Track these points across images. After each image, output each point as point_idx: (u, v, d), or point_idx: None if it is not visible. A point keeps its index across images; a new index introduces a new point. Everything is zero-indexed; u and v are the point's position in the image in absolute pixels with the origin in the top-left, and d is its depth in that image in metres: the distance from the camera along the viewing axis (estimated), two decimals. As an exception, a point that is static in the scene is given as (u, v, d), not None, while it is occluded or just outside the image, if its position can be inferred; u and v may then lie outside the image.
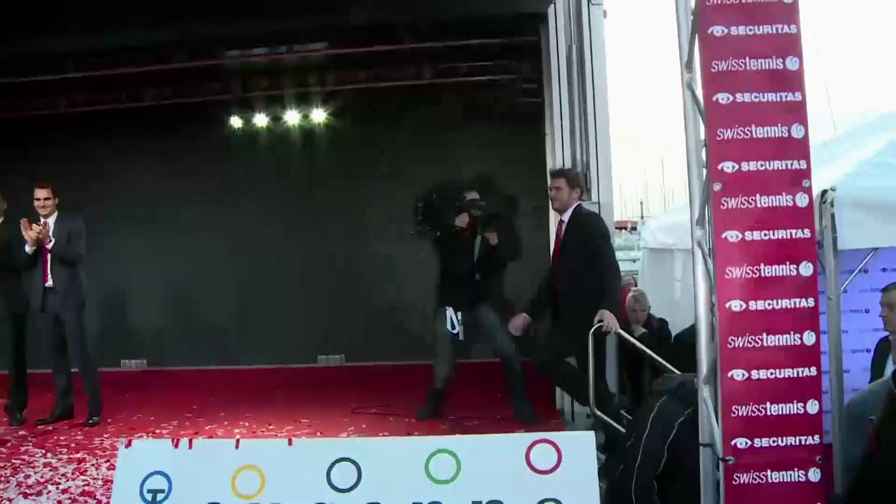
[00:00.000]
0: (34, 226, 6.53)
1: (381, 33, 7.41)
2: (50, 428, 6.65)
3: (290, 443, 3.64)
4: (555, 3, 6.49)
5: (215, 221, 9.30)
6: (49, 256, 6.68)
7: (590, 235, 5.47)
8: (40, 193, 6.67)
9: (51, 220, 6.69)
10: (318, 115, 9.09)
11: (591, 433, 3.68)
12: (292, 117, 9.17)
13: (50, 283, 6.70)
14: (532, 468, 3.55)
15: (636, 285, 10.48)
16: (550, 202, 5.87)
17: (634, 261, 13.80)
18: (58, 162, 9.10)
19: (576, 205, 5.65)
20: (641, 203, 22.75)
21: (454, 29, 7.09)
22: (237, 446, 3.62)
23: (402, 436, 5.41)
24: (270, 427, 6.35)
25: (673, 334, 6.47)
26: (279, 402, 7.08)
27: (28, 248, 6.60)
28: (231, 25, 6.82)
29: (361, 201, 9.21)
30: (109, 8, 6.79)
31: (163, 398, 7.76)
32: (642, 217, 19.28)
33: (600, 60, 6.50)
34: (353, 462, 3.54)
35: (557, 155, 6.42)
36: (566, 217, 5.65)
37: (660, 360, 5.06)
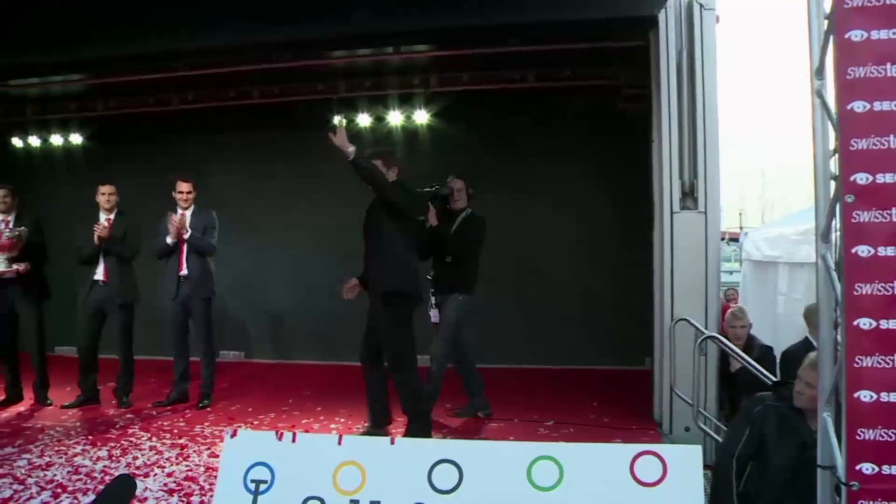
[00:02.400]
0: (175, 217, 6.89)
1: (487, 36, 7.39)
2: (154, 413, 6.89)
3: (392, 441, 3.63)
4: (666, 8, 6.35)
5: (316, 219, 9.43)
6: (185, 247, 7.03)
7: None
8: (183, 187, 7.09)
9: (188, 213, 7.00)
10: (421, 117, 9.12)
11: (698, 447, 3.56)
12: (395, 118, 9.22)
13: (185, 272, 7.06)
14: (636, 480, 3.45)
15: (737, 299, 10.22)
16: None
17: (731, 272, 13.39)
18: (167, 158, 9.39)
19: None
20: (740, 214, 22.07)
21: (560, 32, 6.99)
22: (340, 442, 3.64)
23: (499, 439, 5.38)
24: (366, 424, 6.39)
25: (774, 349, 6.23)
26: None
27: (169, 239, 6.98)
28: (337, 26, 6.89)
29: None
30: (220, 8, 6.98)
31: (260, 390, 7.94)
32: (741, 228, 18.70)
33: (711, 66, 6.33)
34: (455, 464, 3.51)
35: (664, 162, 6.27)
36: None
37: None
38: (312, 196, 9.41)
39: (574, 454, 3.55)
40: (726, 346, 5.49)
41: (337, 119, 6.10)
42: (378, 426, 5.84)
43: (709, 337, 5.63)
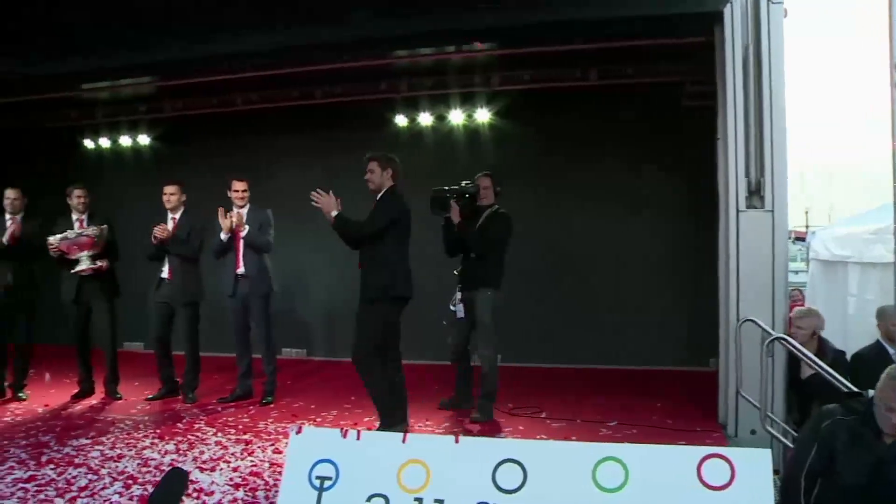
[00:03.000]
0: (229, 214, 7.00)
1: (549, 33, 7.33)
2: (219, 408, 7.01)
3: (456, 440, 3.63)
4: (732, 2, 6.22)
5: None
6: (242, 244, 7.13)
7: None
8: (238, 186, 7.20)
9: (244, 211, 7.12)
10: (483, 115, 9.09)
11: (768, 451, 3.48)
12: (457, 117, 9.21)
13: (242, 269, 7.18)
14: (704, 483, 3.40)
15: (803, 300, 9.95)
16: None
17: (796, 272, 13.05)
18: (232, 157, 9.56)
19: (388, 186, 5.94)
20: (806, 213, 21.49)
21: (624, 29, 6.90)
22: (404, 440, 3.65)
23: (560, 439, 5.34)
24: (427, 423, 6.41)
25: (846, 351, 6.05)
26: (435, 397, 7.11)
27: (223, 235, 7.08)
28: (399, 25, 6.91)
29: (524, 201, 9.11)
30: (285, 10, 7.07)
31: (322, 387, 8.02)
32: (807, 227, 18.22)
33: (778, 62, 6.17)
34: (519, 464, 3.50)
35: (730, 158, 6.14)
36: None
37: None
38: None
39: (640, 456, 3.51)
40: (796, 348, 5.34)
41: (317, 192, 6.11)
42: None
43: (777, 338, 5.49)
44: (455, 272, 6.82)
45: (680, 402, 7.01)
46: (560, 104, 8.84)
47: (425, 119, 9.30)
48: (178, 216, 7.36)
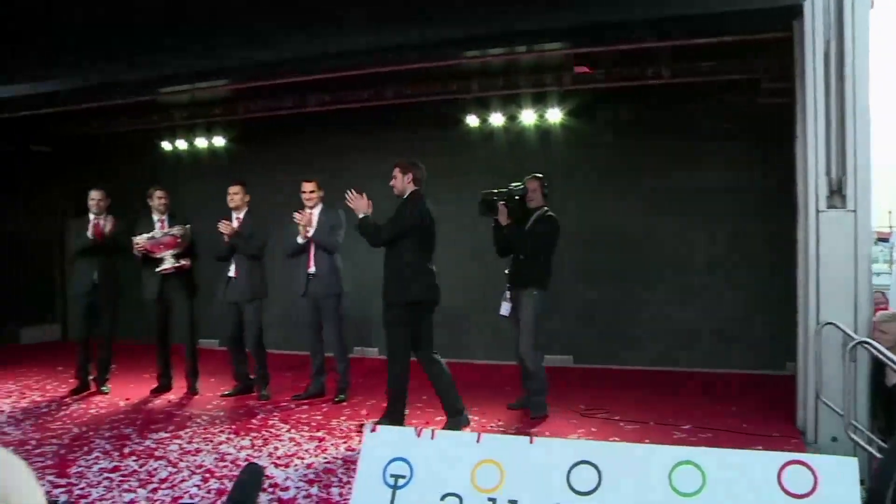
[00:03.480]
0: (297, 215, 7.08)
1: (621, 31, 7.23)
2: (292, 405, 7.12)
3: (531, 440, 3.61)
4: (813, -6, 6.03)
5: (447, 216, 9.34)
6: (313, 245, 7.21)
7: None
8: (307, 187, 7.29)
9: (315, 212, 7.21)
10: (554, 115, 9.02)
11: (855, 459, 3.36)
12: (528, 117, 9.16)
13: (313, 269, 7.26)
14: (784, 490, 3.30)
15: (886, 304, 9.61)
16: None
17: (878, 274, 12.63)
18: (304, 158, 9.72)
19: (410, 191, 6.11)
20: (890, 213, 20.75)
21: (699, 26, 6.76)
22: (479, 440, 3.64)
23: (634, 442, 5.26)
24: (500, 422, 6.40)
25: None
26: (508, 397, 7.10)
27: (300, 239, 7.21)
28: (470, 26, 6.91)
29: (596, 201, 9.04)
30: (357, 11, 7.14)
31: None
32: (891, 227, 17.64)
33: (863, 56, 5.94)
34: (594, 466, 3.46)
35: (810, 157, 5.96)
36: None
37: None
38: (443, 194, 9.41)
39: (718, 460, 3.43)
40: (883, 354, 5.15)
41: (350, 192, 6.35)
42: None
43: (860, 343, 5.30)
44: (506, 272, 6.89)
45: (755, 407, 6.85)
46: (633, 103, 8.73)
47: (497, 119, 9.27)
48: (241, 215, 7.51)
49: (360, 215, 6.05)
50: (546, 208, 6.77)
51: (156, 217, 7.66)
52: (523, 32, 6.97)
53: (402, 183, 6.15)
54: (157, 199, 7.65)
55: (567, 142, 9.09)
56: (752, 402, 7.03)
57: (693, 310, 8.80)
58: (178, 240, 7.36)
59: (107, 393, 7.69)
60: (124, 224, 7.75)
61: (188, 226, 7.46)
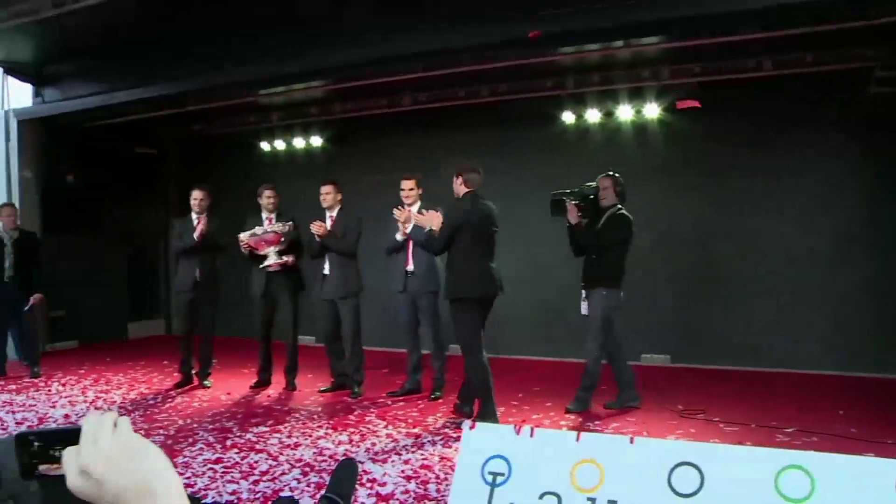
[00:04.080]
0: (397, 211, 7.05)
1: (719, 23, 7.04)
2: (389, 402, 7.20)
3: (631, 440, 3.55)
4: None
5: (536, 216, 9.21)
6: (412, 242, 7.26)
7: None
8: (406, 184, 7.31)
9: (414, 209, 7.26)
10: (652, 111, 8.85)
11: None
12: (625, 113, 9.00)
13: (411, 267, 7.30)
14: (902, 499, 3.15)
15: None
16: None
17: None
18: (399, 156, 9.81)
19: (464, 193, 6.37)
20: None
21: (806, 14, 6.51)
22: (578, 439, 3.61)
23: (734, 444, 5.13)
24: (597, 423, 6.34)
25: None
26: (608, 397, 7.00)
27: (399, 236, 7.26)
28: (566, 22, 6.86)
29: (695, 197, 8.83)
30: (454, 10, 7.17)
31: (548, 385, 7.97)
32: None
33: None
34: (696, 467, 3.37)
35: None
36: None
37: None
38: (538, 192, 9.31)
39: (828, 465, 3.30)
40: None
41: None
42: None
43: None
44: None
45: (865, 411, 6.57)
46: (732, 96, 8.48)
47: (593, 116, 9.16)
48: (334, 214, 7.56)
49: (427, 228, 6.35)
50: (619, 206, 6.70)
51: (264, 215, 7.82)
52: (620, 27, 6.88)
53: (458, 186, 6.43)
54: (266, 197, 7.80)
55: (665, 137, 8.91)
56: (861, 406, 6.75)
57: (795, 308, 8.49)
58: (281, 237, 7.49)
59: (208, 387, 7.94)
60: (216, 223, 7.98)
61: (290, 223, 7.57)
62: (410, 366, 7.54)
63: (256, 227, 7.53)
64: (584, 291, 6.74)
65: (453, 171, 6.46)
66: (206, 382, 8.01)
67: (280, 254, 7.57)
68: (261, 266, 7.61)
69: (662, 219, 8.77)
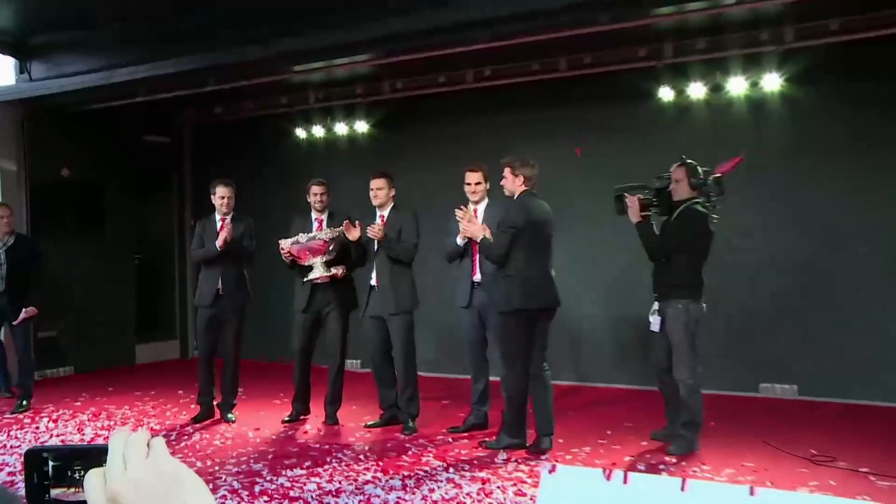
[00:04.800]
0: (459, 212, 6.97)
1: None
2: (450, 439, 7.18)
3: (751, 492, 3.50)
4: None
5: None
6: (478, 249, 7.12)
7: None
8: (471, 178, 7.31)
9: (481, 208, 7.26)
10: (771, 82, 8.63)
11: None
12: (737, 85, 8.82)
13: (478, 277, 7.27)
14: None
15: None
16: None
17: None
18: (461, 143, 9.84)
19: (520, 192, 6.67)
20: None
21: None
22: (683, 487, 3.57)
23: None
24: (705, 467, 6.25)
25: None
26: (718, 435, 6.95)
27: (459, 239, 7.23)
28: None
29: (825, 189, 8.66)
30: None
31: (572, 416, 7.95)
32: None
33: None
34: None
35: None
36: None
37: None
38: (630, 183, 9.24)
39: None
40: None
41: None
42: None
43: None
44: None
45: None
46: (876, 61, 8.27)
47: (696, 90, 9.01)
48: (386, 213, 7.54)
49: (478, 238, 6.60)
50: (694, 200, 6.63)
51: (314, 216, 7.89)
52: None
53: (514, 184, 6.65)
54: (313, 195, 7.84)
55: (789, 114, 8.68)
56: None
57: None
58: (329, 244, 7.48)
59: (232, 422, 7.98)
60: (245, 225, 8.04)
61: (340, 229, 7.51)
62: (476, 396, 7.50)
63: (300, 234, 7.53)
64: (655, 304, 6.76)
65: (505, 167, 6.66)
66: (229, 416, 8.06)
67: (328, 265, 7.59)
68: (304, 280, 7.66)
69: (786, 217, 8.59)
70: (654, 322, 6.75)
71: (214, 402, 8.22)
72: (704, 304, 6.65)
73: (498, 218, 7.10)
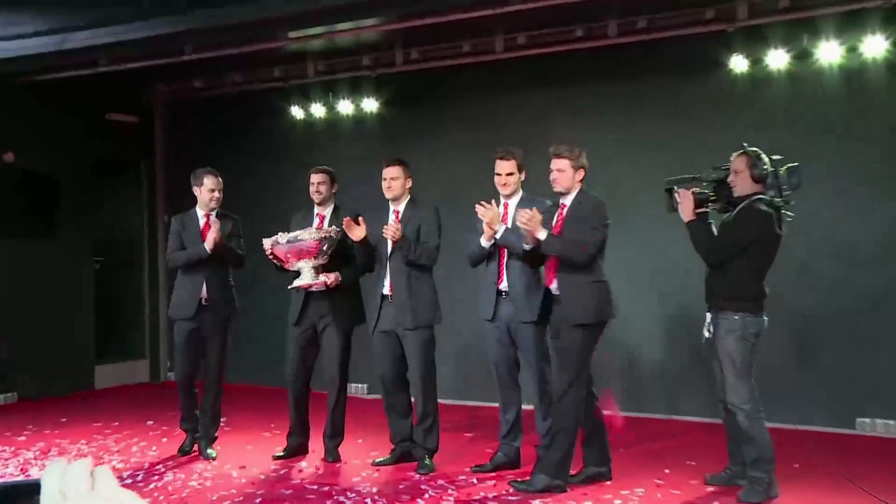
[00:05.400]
0: (481, 208, 6.92)
1: None
2: (474, 480, 7.12)
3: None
4: None
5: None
6: (506, 252, 7.11)
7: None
8: (502, 167, 7.23)
9: (512, 203, 7.17)
10: (874, 45, 8.35)
11: None
12: (829, 52, 8.60)
13: (505, 285, 7.16)
14: None
15: None
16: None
17: None
18: (488, 124, 9.85)
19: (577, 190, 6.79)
20: None
21: None
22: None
23: None
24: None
25: None
26: (803, 479, 6.86)
27: (484, 241, 7.10)
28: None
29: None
30: None
31: (628, 450, 7.90)
32: None
33: None
34: None
35: None
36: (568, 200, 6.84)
37: None
38: (695, 173, 9.00)
39: None
40: None
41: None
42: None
43: None
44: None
45: None
46: None
47: (776, 59, 8.82)
48: (402, 208, 7.49)
49: (542, 236, 6.60)
50: (758, 196, 6.52)
51: (316, 212, 7.87)
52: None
53: (573, 180, 6.74)
54: (311, 184, 7.81)
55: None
56: None
57: None
58: (322, 246, 7.35)
59: (213, 458, 7.88)
60: (232, 223, 8.02)
61: (337, 229, 7.46)
62: (505, 427, 7.38)
63: (279, 233, 7.40)
64: (708, 315, 6.71)
65: (562, 158, 6.63)
66: (209, 452, 7.96)
67: (318, 270, 7.47)
68: (289, 286, 7.57)
69: (890, 216, 8.47)
70: (708, 333, 6.72)
71: (196, 435, 8.12)
72: (766, 318, 6.54)
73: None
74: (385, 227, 7.28)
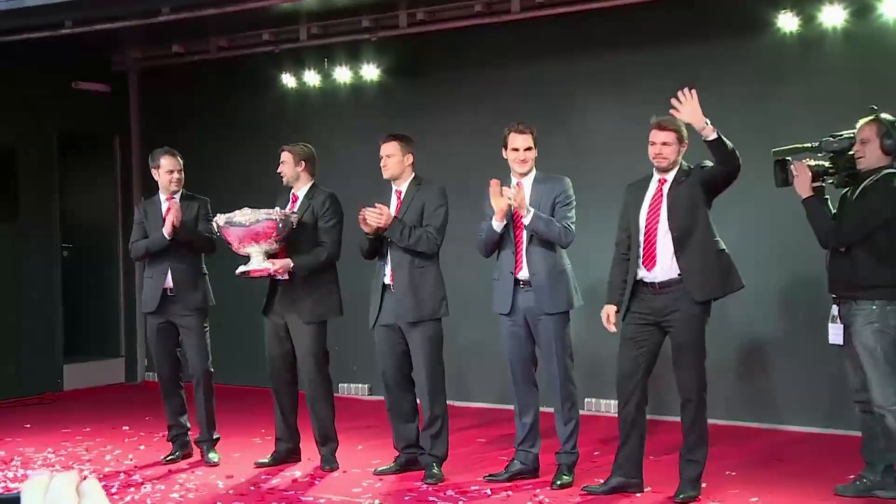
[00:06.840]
0: (494, 186, 6.97)
1: None
2: (488, 490, 7.15)
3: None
4: None
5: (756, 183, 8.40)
6: (524, 236, 7.16)
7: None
8: (518, 141, 7.21)
9: (527, 182, 7.23)
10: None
11: None
12: (890, 8, 8.38)
13: (525, 274, 7.22)
14: None
15: None
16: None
17: None
18: (503, 95, 9.88)
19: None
20: None
21: None
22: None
23: None
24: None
25: None
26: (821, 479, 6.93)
27: (495, 224, 7.16)
28: None
29: None
30: None
31: (658, 459, 7.81)
32: None
33: None
34: None
35: None
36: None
37: None
38: (745, 148, 8.81)
39: None
40: None
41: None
42: None
43: None
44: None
45: None
46: None
47: (831, 16, 8.65)
48: (403, 188, 7.53)
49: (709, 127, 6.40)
50: (890, 170, 6.51)
51: (293, 191, 7.93)
52: None
53: (678, 153, 6.82)
54: (280, 163, 7.90)
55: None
56: None
57: None
58: (276, 228, 7.41)
59: (216, 463, 8.00)
60: (199, 206, 8.15)
61: (294, 213, 7.59)
62: (521, 433, 7.43)
63: (235, 212, 7.43)
64: (834, 307, 6.68)
65: (671, 131, 6.70)
66: (211, 456, 8.08)
67: (271, 256, 7.55)
68: (236, 272, 7.63)
69: None
70: (835, 332, 6.67)
71: (192, 438, 8.24)
72: None
73: (553, 194, 7.09)
74: (365, 210, 7.30)
